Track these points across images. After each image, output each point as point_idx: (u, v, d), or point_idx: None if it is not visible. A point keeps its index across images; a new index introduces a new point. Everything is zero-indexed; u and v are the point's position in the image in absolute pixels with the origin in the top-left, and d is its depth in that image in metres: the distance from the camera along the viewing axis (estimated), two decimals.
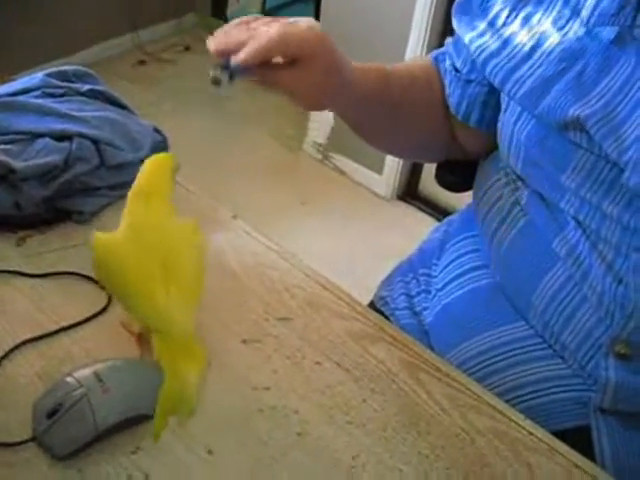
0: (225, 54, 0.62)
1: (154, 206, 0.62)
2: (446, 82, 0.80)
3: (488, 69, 0.70)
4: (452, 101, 0.79)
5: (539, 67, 0.65)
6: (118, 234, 0.61)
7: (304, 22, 0.63)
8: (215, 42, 0.62)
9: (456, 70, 0.78)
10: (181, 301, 0.59)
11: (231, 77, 0.63)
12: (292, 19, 0.64)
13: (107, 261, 0.60)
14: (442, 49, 0.82)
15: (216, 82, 0.63)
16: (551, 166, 0.66)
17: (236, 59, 0.61)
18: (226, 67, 0.62)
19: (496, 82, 0.70)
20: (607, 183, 0.62)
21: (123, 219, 0.62)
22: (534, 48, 0.66)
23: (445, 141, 0.84)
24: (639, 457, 0.63)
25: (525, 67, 0.66)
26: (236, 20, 0.65)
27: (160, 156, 0.66)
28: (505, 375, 0.68)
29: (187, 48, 3.15)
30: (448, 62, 0.79)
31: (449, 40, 0.81)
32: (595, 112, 0.61)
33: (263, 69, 0.62)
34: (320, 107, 0.71)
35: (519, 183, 0.71)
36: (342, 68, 0.67)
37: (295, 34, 0.62)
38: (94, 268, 0.62)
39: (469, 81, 0.77)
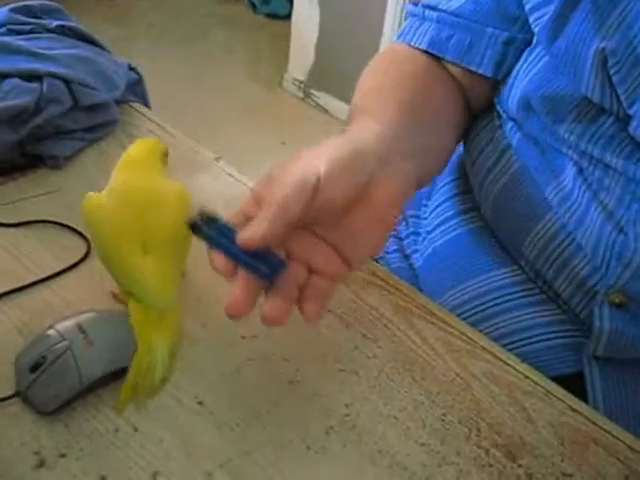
0: None
1: (141, 170, 0.59)
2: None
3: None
4: (488, 63, 0.70)
5: None
6: (104, 193, 0.58)
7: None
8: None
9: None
10: (160, 269, 0.55)
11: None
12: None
13: (92, 222, 0.58)
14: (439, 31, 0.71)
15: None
16: (550, 116, 0.63)
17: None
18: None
19: (527, 8, 0.65)
20: (608, 135, 0.60)
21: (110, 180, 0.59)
22: None
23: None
24: (631, 400, 0.63)
25: None
26: None
27: (148, 139, 0.64)
28: (498, 321, 0.67)
29: None
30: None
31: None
32: (617, 46, 0.57)
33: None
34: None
35: (512, 125, 0.68)
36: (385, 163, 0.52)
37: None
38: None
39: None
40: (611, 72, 0.58)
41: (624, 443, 0.54)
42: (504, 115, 0.70)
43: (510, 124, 0.69)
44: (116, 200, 0.57)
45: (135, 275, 0.55)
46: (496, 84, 0.72)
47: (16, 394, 0.52)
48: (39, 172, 0.72)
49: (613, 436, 0.55)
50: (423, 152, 0.60)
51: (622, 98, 0.58)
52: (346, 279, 0.60)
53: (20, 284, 0.60)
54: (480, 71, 0.70)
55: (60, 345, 0.52)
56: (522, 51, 0.69)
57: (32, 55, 0.75)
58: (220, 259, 0.49)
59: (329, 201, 0.49)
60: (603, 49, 0.58)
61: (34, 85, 0.72)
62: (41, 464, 0.48)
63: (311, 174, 0.48)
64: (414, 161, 0.55)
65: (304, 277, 0.50)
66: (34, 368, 0.52)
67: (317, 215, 0.49)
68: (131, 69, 0.84)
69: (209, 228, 0.49)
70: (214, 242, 0.49)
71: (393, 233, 0.81)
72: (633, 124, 0.58)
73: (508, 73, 0.70)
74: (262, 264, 0.48)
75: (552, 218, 0.65)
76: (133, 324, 0.54)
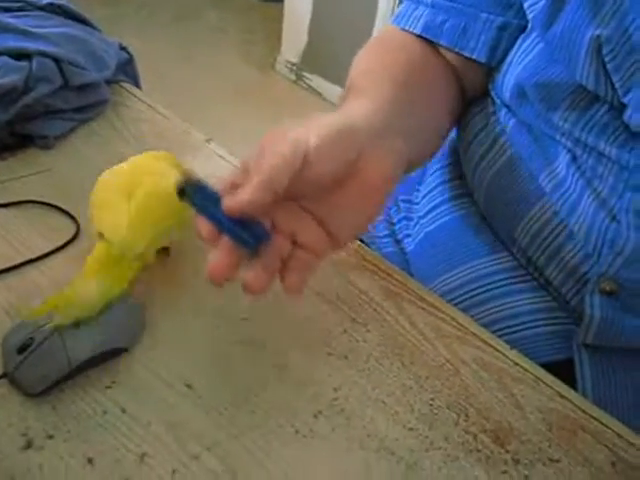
0: None
1: (155, 160, 0.62)
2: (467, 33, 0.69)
3: None
4: (482, 48, 0.69)
5: None
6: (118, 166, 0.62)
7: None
8: None
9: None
10: (136, 218, 0.57)
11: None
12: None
13: (96, 189, 0.60)
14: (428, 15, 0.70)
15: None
16: (543, 103, 0.63)
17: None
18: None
19: None
20: (602, 123, 0.60)
21: None
22: None
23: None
24: (620, 388, 0.64)
25: None
26: None
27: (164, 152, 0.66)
28: (488, 307, 0.67)
29: None
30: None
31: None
32: (612, 34, 0.57)
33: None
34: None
35: (506, 111, 0.68)
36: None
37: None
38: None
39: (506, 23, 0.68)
40: (606, 60, 0.57)
41: (612, 430, 0.54)
42: (498, 101, 0.70)
43: (504, 110, 0.69)
44: (123, 167, 0.61)
45: (110, 212, 0.57)
46: (490, 70, 0.71)
47: (3, 375, 0.52)
48: (29, 152, 0.72)
49: (601, 423, 0.55)
50: (417, 132, 0.60)
51: (617, 86, 0.57)
52: (330, 256, 0.59)
53: (8, 265, 0.60)
54: (474, 56, 0.69)
55: (47, 326, 0.52)
56: (517, 38, 0.68)
57: (21, 33, 0.74)
58: (205, 224, 0.48)
59: (317, 175, 0.48)
60: (598, 36, 0.57)
61: (23, 64, 0.71)
62: (28, 445, 0.48)
63: (301, 146, 0.47)
64: (406, 141, 0.55)
65: (288, 249, 0.50)
66: (21, 349, 0.52)
67: (305, 188, 0.49)
68: (122, 49, 0.83)
69: (195, 193, 0.49)
70: (200, 207, 0.49)
71: (385, 218, 0.81)
72: (627, 112, 0.57)
73: (502, 59, 0.69)
74: (246, 233, 0.48)
75: (545, 205, 0.64)
76: (87, 262, 0.56)
